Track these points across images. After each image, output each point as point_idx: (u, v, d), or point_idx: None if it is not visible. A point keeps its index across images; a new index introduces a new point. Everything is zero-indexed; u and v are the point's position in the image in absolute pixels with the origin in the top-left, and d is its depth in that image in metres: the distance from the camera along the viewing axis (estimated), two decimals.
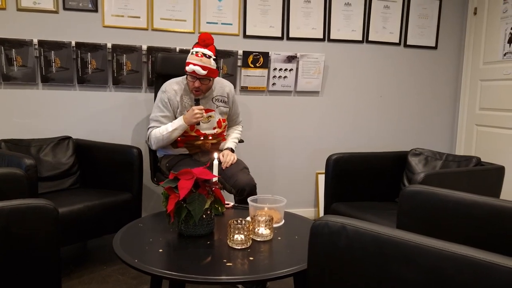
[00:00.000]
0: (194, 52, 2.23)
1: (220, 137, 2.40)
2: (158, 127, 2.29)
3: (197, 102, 2.27)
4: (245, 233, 1.48)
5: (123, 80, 2.85)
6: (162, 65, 2.63)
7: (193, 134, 2.31)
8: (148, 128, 2.34)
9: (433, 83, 3.52)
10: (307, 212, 3.33)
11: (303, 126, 3.29)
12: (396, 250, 0.99)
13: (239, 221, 1.51)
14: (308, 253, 1.16)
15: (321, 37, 3.19)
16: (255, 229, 1.56)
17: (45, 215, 1.21)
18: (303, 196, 3.35)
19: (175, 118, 2.32)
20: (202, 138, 2.33)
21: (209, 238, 1.55)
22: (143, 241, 1.50)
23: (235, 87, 3.06)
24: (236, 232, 1.47)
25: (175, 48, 2.90)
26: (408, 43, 3.39)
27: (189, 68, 2.21)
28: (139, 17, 2.85)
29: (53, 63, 2.70)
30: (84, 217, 2.16)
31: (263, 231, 1.56)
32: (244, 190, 2.13)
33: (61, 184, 2.51)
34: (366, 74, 3.36)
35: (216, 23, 2.99)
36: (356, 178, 2.43)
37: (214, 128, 2.37)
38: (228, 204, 1.96)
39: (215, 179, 1.78)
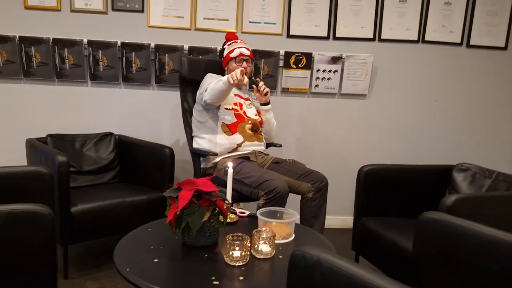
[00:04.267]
0: (231, 43, 2.49)
1: (260, 126, 2.47)
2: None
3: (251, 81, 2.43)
4: (244, 249, 1.43)
5: (165, 79, 2.91)
6: (190, 69, 2.56)
7: (241, 113, 2.39)
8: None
9: (500, 89, 3.16)
10: (345, 221, 3.18)
11: (347, 131, 3.13)
12: None
13: (238, 236, 1.47)
14: (287, 284, 1.09)
15: (371, 36, 3.00)
16: (255, 245, 1.50)
17: (40, 220, 1.26)
18: (341, 203, 3.20)
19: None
20: (250, 121, 2.39)
21: (210, 250, 1.52)
22: (144, 248, 1.51)
23: (275, 88, 3.01)
24: (236, 248, 1.43)
25: (216, 48, 2.89)
26: (471, 43, 3.07)
27: (235, 52, 2.42)
28: (183, 17, 2.89)
29: (101, 62, 2.83)
30: (113, 213, 2.25)
31: (264, 248, 1.50)
32: (323, 181, 2.28)
33: (100, 178, 2.65)
34: (420, 78, 3.10)
35: (259, 22, 2.94)
36: (390, 192, 2.25)
37: (256, 115, 2.46)
38: (244, 212, 1.92)
39: (229, 189, 1.75)
